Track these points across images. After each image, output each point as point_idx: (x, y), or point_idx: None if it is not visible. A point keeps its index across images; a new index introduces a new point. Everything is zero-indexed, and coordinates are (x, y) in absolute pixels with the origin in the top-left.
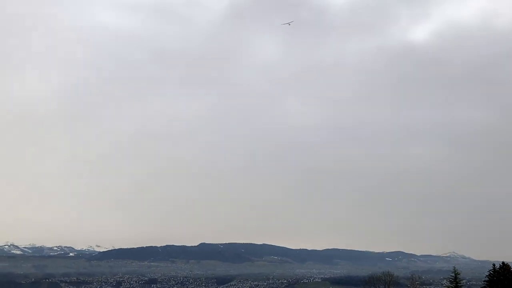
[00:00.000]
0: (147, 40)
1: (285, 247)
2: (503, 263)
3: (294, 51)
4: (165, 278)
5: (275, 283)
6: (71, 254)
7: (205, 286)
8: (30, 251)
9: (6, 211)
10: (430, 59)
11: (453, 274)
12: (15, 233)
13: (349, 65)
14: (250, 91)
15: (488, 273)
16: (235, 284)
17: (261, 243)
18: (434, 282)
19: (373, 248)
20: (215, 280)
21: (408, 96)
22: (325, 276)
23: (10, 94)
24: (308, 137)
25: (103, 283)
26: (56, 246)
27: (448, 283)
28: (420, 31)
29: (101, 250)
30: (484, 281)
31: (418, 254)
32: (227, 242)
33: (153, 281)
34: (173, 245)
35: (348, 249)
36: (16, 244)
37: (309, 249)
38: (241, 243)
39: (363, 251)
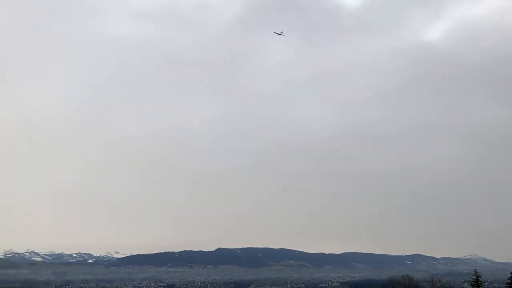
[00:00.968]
0: (157, 47)
1: (302, 251)
2: None
3: (306, 54)
4: (183, 284)
5: (293, 287)
6: (90, 260)
7: None
8: (50, 258)
9: (26, 219)
10: (444, 59)
11: (474, 277)
12: (35, 240)
13: (363, 66)
14: (262, 95)
15: (511, 275)
16: None
17: (278, 247)
18: (455, 285)
19: (391, 251)
20: (232, 285)
21: (423, 96)
22: (343, 280)
23: (28, 101)
24: (322, 140)
25: None
26: (75, 253)
27: (469, 286)
28: (434, 31)
29: (120, 257)
30: (506, 284)
31: (438, 257)
32: (244, 247)
33: (171, 286)
34: (190, 251)
35: (366, 252)
36: (36, 251)
37: (327, 253)
38: (258, 248)
39: (382, 255)
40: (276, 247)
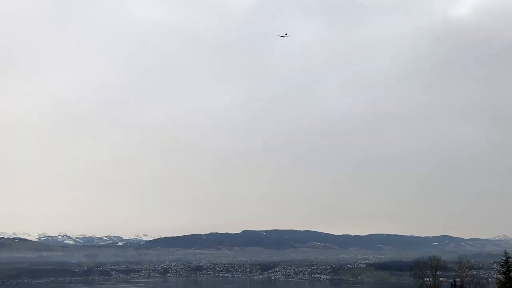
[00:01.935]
0: (179, 31)
1: (328, 233)
2: None
3: (330, 35)
4: (211, 265)
5: (319, 269)
6: (119, 243)
7: (249, 272)
8: (81, 241)
9: (58, 204)
10: (471, 38)
11: (504, 258)
12: (67, 224)
13: (386, 47)
14: (284, 77)
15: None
16: (279, 270)
17: (303, 229)
18: (484, 266)
19: (418, 232)
20: (259, 267)
21: (448, 76)
22: (369, 262)
23: (54, 87)
24: (347, 124)
25: (151, 271)
26: (105, 236)
27: (499, 267)
28: (461, 8)
29: (148, 239)
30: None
31: (466, 238)
32: (270, 229)
33: (199, 268)
34: (217, 233)
35: (392, 234)
36: (68, 235)
37: (352, 234)
38: (283, 230)
39: (408, 236)
40: (301, 229)
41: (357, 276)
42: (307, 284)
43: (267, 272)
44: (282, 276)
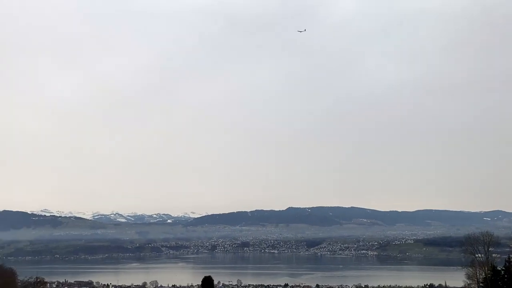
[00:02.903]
0: (221, 9)
1: (374, 210)
2: None
3: (372, 4)
4: (257, 241)
5: (366, 245)
6: (169, 220)
7: (295, 248)
8: (132, 219)
9: (111, 184)
10: None
11: None
12: (119, 203)
13: (432, 15)
14: (329, 50)
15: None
16: (324, 247)
17: (349, 206)
18: None
19: (469, 207)
20: (305, 243)
21: (499, 43)
22: (418, 238)
23: (102, 70)
24: (393, 94)
25: (199, 247)
26: (155, 214)
27: None
28: None
29: (196, 217)
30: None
31: None
32: (315, 206)
33: (245, 244)
34: (262, 210)
35: (442, 209)
36: (120, 213)
37: (400, 210)
38: (328, 207)
39: (458, 211)
40: (347, 206)
41: (405, 252)
42: (354, 260)
43: (313, 248)
44: (328, 253)
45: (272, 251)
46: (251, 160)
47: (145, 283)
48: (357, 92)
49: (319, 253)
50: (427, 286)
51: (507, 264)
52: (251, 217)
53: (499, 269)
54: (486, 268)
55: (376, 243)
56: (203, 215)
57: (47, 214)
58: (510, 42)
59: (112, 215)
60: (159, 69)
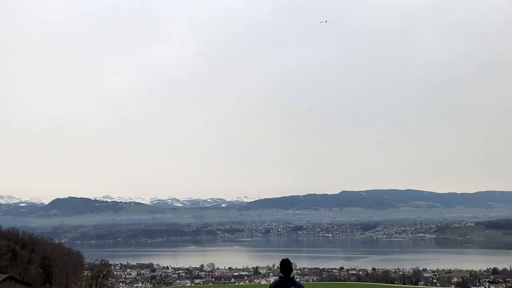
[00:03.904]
0: None
1: (431, 192)
2: None
3: None
4: (310, 225)
5: (423, 228)
6: (223, 205)
7: (350, 232)
8: (188, 204)
9: (167, 170)
10: None
11: None
12: (175, 188)
13: None
14: (378, 29)
15: None
16: (380, 230)
17: (405, 188)
18: None
19: None
20: (359, 227)
21: None
22: (479, 220)
23: (152, 61)
24: (447, 74)
25: (253, 231)
26: (210, 199)
27: None
28: None
29: (249, 201)
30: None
31: None
32: (369, 189)
33: (299, 228)
34: (314, 194)
35: (505, 190)
36: (177, 198)
37: (459, 192)
38: (383, 190)
39: None
40: (403, 188)
41: (465, 235)
42: (411, 244)
43: (368, 231)
44: (384, 236)
45: (326, 235)
46: (303, 144)
47: (202, 265)
48: (409, 71)
49: (374, 237)
50: (490, 270)
51: None
52: (304, 201)
53: None
54: None
55: (434, 225)
56: (256, 199)
57: (109, 200)
58: None
59: (169, 200)
60: (210, 57)
